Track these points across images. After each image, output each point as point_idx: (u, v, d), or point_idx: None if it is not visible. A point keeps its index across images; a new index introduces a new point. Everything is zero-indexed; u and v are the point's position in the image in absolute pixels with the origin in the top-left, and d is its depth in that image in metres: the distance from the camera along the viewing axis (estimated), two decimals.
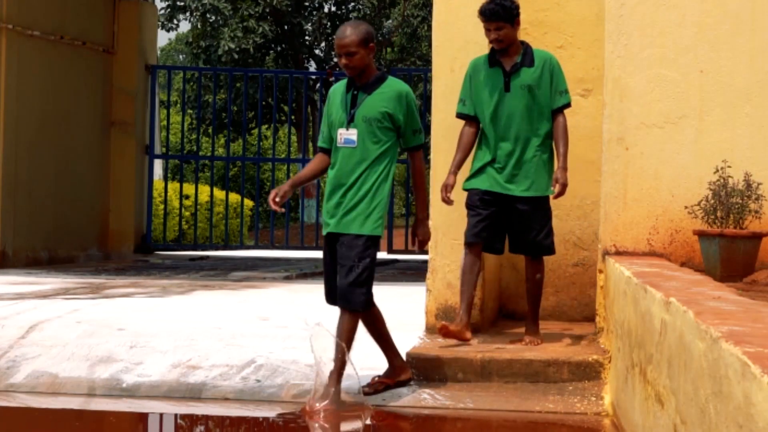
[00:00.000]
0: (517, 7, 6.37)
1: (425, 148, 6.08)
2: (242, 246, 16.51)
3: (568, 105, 6.47)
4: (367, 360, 6.00)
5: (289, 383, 6.08)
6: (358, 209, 5.67)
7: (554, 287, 7.63)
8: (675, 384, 3.57)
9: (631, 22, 6.45)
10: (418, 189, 5.94)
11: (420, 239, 5.94)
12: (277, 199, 5.92)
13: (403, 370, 5.92)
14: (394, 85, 5.78)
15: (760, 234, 5.96)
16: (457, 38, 6.94)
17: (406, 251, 14.77)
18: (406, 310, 7.65)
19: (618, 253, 6.37)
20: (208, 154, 21.48)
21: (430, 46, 7.05)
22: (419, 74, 22.20)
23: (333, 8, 29.28)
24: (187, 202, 18.92)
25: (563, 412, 5.66)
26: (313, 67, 30.27)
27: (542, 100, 6.40)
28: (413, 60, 30.23)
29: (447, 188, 6.41)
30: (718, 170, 6.03)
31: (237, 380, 6.15)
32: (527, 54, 6.44)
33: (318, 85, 24.43)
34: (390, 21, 30.16)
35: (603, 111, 6.63)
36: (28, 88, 12.03)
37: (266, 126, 26.77)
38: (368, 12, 28.65)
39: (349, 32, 5.70)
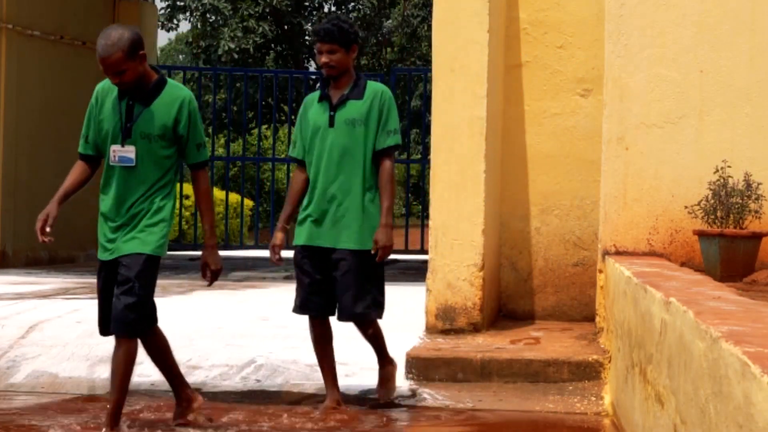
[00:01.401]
0: (356, 33, 5.64)
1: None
2: (242, 246, 16.50)
3: (396, 147, 5.65)
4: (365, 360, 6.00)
5: (289, 383, 6.08)
6: (139, 228, 5.25)
7: (554, 287, 7.63)
8: (675, 384, 3.57)
9: (631, 22, 6.46)
10: (204, 213, 5.26)
11: (212, 269, 5.22)
12: (48, 229, 5.52)
13: (195, 399, 5.30)
14: (174, 91, 5.12)
15: (760, 234, 5.96)
16: (457, 38, 6.94)
17: (406, 251, 14.77)
18: (406, 310, 7.65)
19: (618, 253, 6.37)
20: (208, 153, 21.45)
21: (430, 46, 7.05)
22: (419, 74, 22.20)
23: (333, 8, 29.27)
24: (187, 202, 18.91)
25: (563, 412, 5.66)
26: (313, 67, 30.26)
27: (369, 138, 5.56)
28: (413, 60, 30.23)
29: (274, 249, 5.84)
30: (718, 170, 6.03)
31: (237, 380, 6.15)
32: (358, 86, 5.62)
33: (318, 85, 24.41)
34: (390, 21, 30.15)
35: (603, 111, 6.63)
36: (28, 88, 12.02)
37: (266, 126, 26.78)
38: (368, 12, 28.65)
39: (110, 50, 5.14)
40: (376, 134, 5.58)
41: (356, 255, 5.51)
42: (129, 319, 5.07)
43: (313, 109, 5.69)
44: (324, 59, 5.56)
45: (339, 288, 5.55)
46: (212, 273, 5.23)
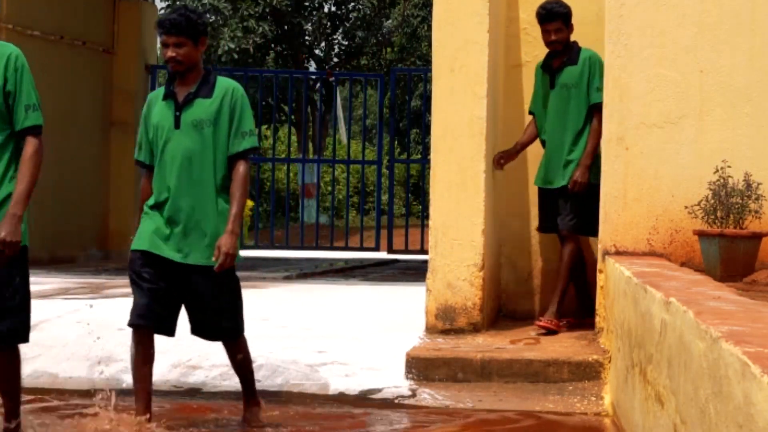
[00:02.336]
0: (205, 25, 5.23)
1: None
2: (242, 246, 16.47)
3: (252, 150, 5.22)
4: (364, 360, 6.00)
5: (289, 383, 6.08)
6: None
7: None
8: (675, 384, 3.57)
9: (631, 22, 6.46)
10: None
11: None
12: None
13: None
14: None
15: (760, 234, 5.96)
16: (457, 38, 6.94)
17: (406, 251, 14.78)
18: (406, 310, 7.65)
19: (618, 253, 6.37)
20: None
21: (430, 46, 7.04)
22: (419, 74, 22.20)
23: (333, 8, 29.27)
24: None
25: (563, 412, 5.66)
26: (313, 67, 30.26)
27: (221, 140, 5.16)
28: (413, 60, 30.23)
29: None
30: (718, 170, 6.03)
31: (237, 380, 6.14)
32: (207, 82, 5.21)
33: (318, 85, 24.43)
34: (390, 21, 30.15)
35: (603, 111, 6.63)
36: None
37: (266, 126, 26.78)
38: (368, 12, 28.64)
39: None
40: (228, 136, 5.15)
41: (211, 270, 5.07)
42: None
43: (156, 107, 5.26)
44: (170, 53, 5.11)
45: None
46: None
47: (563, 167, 7.02)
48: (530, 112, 7.35)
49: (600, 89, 6.82)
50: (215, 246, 5.04)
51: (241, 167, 5.12)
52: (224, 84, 5.20)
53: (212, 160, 5.13)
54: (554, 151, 7.09)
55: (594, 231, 6.76)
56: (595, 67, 6.97)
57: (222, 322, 5.28)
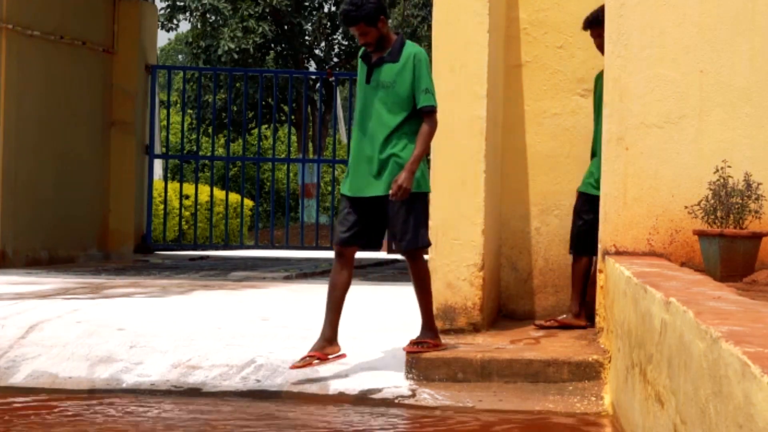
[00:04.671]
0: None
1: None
2: (242, 246, 16.50)
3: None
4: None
5: (289, 383, 6.08)
6: None
7: (554, 287, 7.63)
8: (675, 384, 3.57)
9: (631, 22, 6.45)
10: None
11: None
12: None
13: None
14: None
15: (760, 234, 5.96)
16: (457, 38, 6.93)
17: None
18: (406, 310, 7.65)
19: (618, 253, 6.37)
20: (208, 154, 21.47)
21: (430, 46, 7.04)
22: None
23: (333, 8, 29.27)
24: (187, 202, 18.92)
25: (563, 412, 5.66)
26: (313, 67, 30.26)
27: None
28: None
29: None
30: (718, 170, 6.03)
31: (237, 380, 6.15)
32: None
33: (318, 85, 24.42)
34: (390, 21, 30.14)
35: (603, 111, 6.63)
36: (28, 88, 12.02)
37: (266, 126, 26.78)
38: None
39: None
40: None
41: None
42: None
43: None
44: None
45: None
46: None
47: None
48: None
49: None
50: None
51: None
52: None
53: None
54: None
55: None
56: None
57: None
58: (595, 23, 7.05)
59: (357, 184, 6.07)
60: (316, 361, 5.99)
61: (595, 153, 7.07)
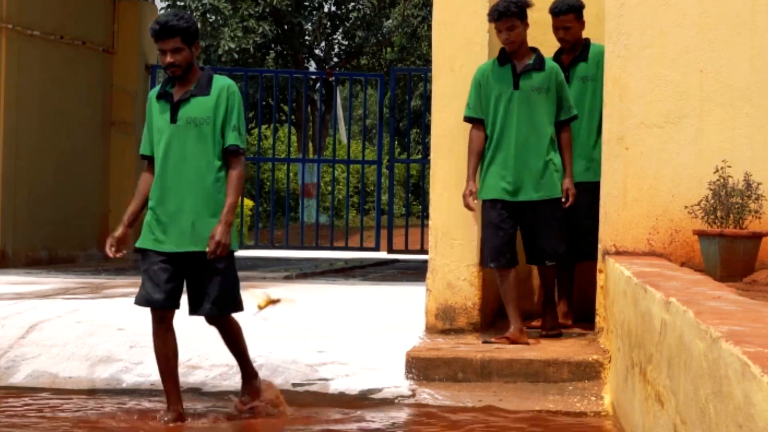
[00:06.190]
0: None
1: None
2: (242, 246, 16.49)
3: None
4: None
5: (289, 383, 6.08)
6: None
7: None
8: (675, 384, 3.57)
9: (631, 22, 6.45)
10: None
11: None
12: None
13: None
14: None
15: (760, 234, 5.96)
16: (457, 38, 6.94)
17: (406, 251, 14.79)
18: (406, 310, 7.65)
19: (618, 253, 6.37)
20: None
21: (430, 46, 7.04)
22: (419, 74, 22.19)
23: (333, 8, 29.27)
24: None
25: (563, 412, 5.66)
26: (313, 67, 30.25)
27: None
28: (413, 60, 30.22)
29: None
30: (718, 170, 6.03)
31: (237, 380, 6.14)
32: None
33: (318, 85, 24.42)
34: (390, 21, 30.15)
35: (603, 110, 6.62)
36: (28, 88, 12.02)
37: (266, 126, 26.78)
38: (368, 12, 28.64)
39: None
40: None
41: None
42: None
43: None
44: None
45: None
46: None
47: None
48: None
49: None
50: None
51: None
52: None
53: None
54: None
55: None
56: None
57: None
58: (570, 11, 7.04)
59: (167, 239, 5.57)
60: None
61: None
